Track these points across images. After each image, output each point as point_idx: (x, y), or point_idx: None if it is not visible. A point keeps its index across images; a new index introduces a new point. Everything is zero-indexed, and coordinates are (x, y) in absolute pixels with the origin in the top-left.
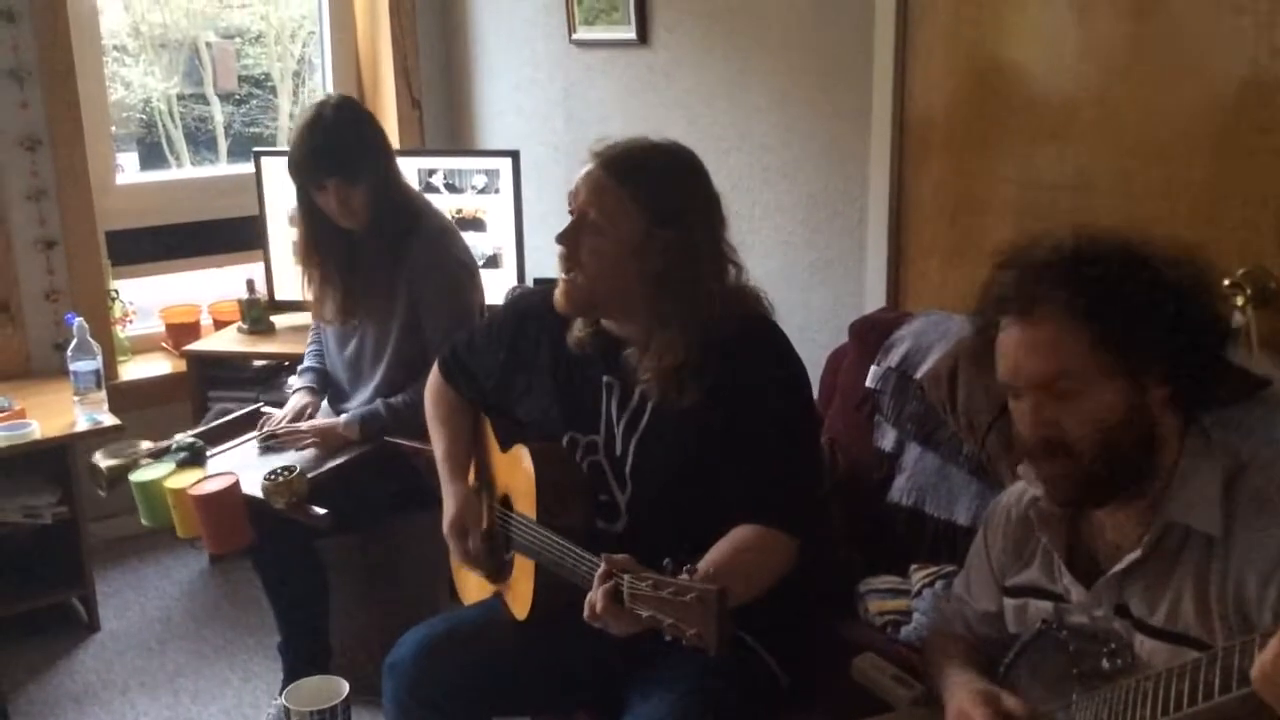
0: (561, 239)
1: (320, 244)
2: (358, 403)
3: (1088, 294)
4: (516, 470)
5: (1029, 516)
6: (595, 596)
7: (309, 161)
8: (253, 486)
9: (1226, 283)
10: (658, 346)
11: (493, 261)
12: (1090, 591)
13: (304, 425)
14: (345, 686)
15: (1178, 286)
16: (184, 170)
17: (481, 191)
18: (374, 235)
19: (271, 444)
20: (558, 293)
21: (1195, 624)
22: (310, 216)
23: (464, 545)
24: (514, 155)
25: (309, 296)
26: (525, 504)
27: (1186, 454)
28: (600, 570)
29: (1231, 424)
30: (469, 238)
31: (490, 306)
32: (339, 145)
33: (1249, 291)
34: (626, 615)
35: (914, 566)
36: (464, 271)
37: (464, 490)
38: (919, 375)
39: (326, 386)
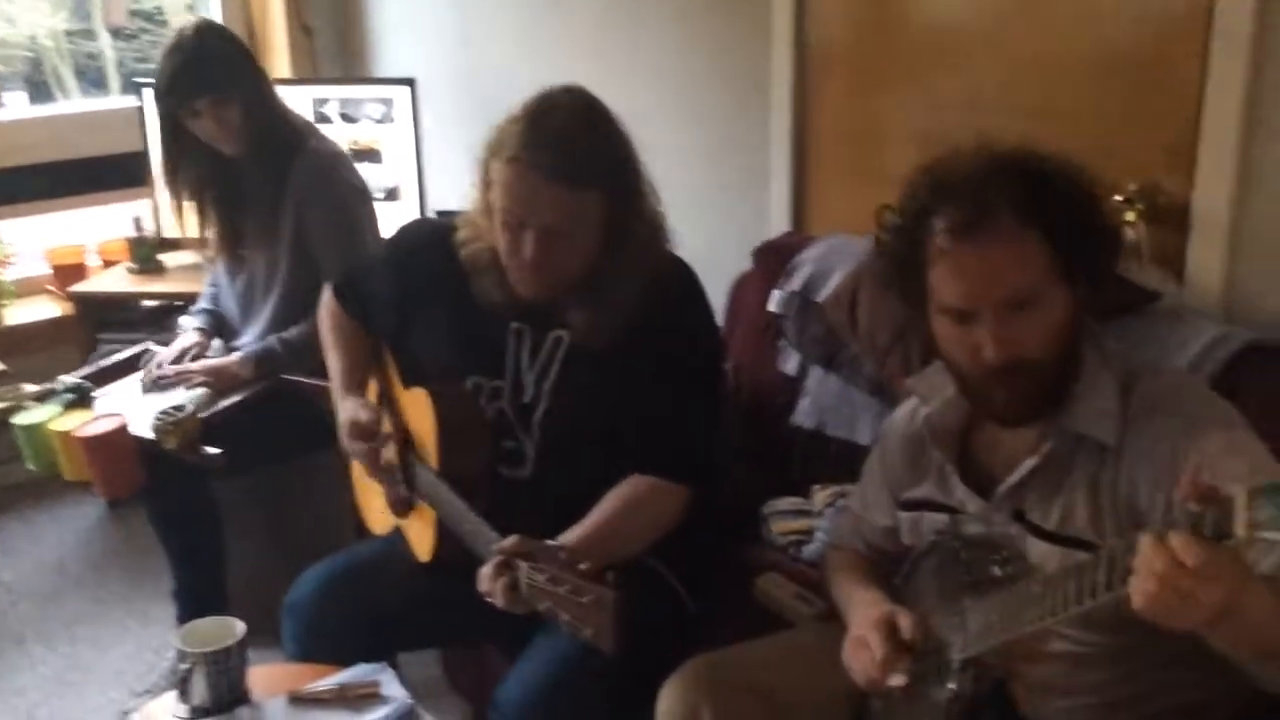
0: (534, 258)
1: (194, 178)
2: (250, 338)
3: (1035, 201)
4: (418, 412)
5: (922, 432)
6: (493, 589)
7: (177, 83)
8: (143, 427)
9: (1119, 198)
10: (603, 297)
11: (392, 195)
12: (988, 503)
13: (195, 365)
14: (241, 626)
15: (1091, 191)
16: (61, 105)
17: (379, 122)
18: (255, 160)
19: (161, 384)
20: (524, 288)
21: (1087, 528)
22: (179, 149)
23: (369, 451)
24: (410, 83)
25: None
26: (426, 449)
27: (1086, 364)
28: (495, 561)
29: (1124, 336)
30: (366, 170)
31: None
32: (207, 63)
33: (1141, 207)
34: (523, 603)
35: (816, 487)
36: (354, 194)
37: (358, 400)
38: (821, 298)
39: (220, 328)
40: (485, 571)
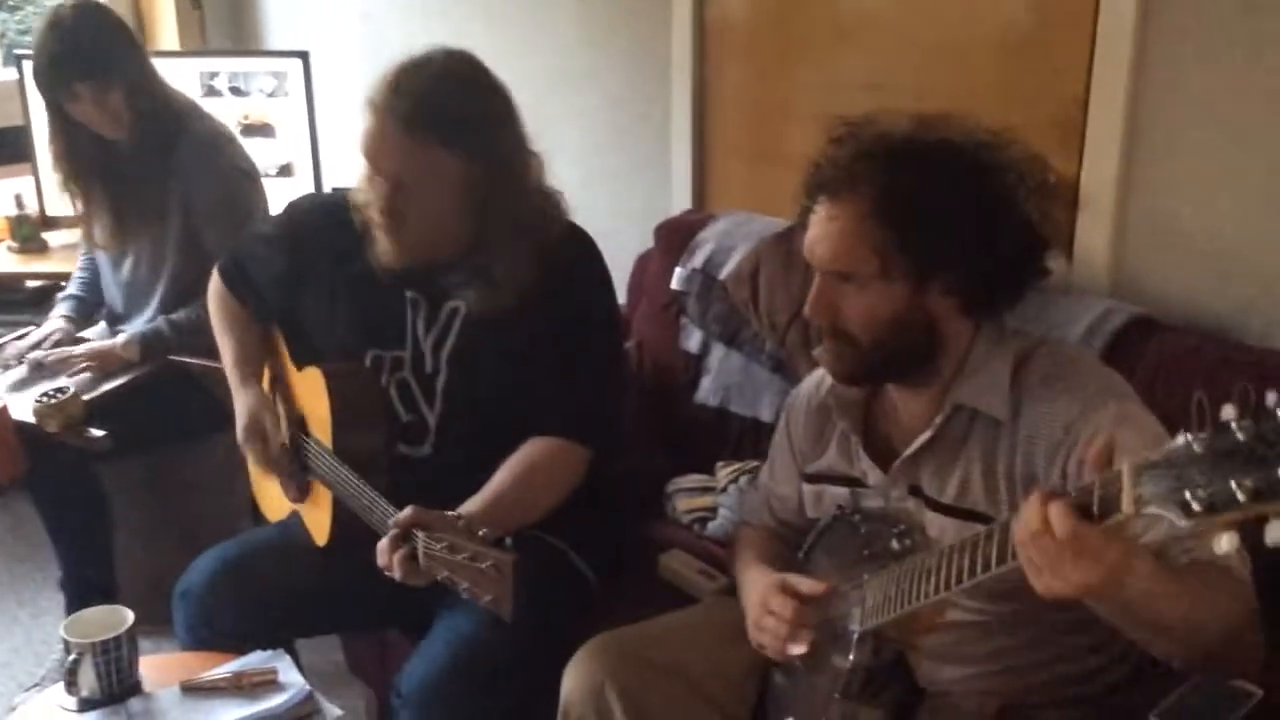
0: (385, 213)
1: (79, 162)
2: (138, 324)
3: (899, 194)
4: (311, 393)
5: (827, 402)
6: (391, 561)
7: (55, 68)
8: (24, 411)
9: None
10: (488, 272)
11: (285, 171)
12: (887, 474)
13: (77, 350)
14: (130, 615)
15: (1003, 200)
16: None
17: (270, 95)
18: (138, 143)
19: (42, 371)
20: (388, 254)
21: (983, 500)
22: (64, 132)
23: (264, 451)
24: (304, 56)
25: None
26: (321, 430)
27: (980, 344)
28: (392, 534)
29: (1013, 312)
30: (258, 145)
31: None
32: (85, 46)
33: (1030, 184)
34: (422, 574)
35: (719, 464)
36: (243, 178)
37: (256, 393)
38: (723, 276)
39: (89, 315)
40: (382, 545)
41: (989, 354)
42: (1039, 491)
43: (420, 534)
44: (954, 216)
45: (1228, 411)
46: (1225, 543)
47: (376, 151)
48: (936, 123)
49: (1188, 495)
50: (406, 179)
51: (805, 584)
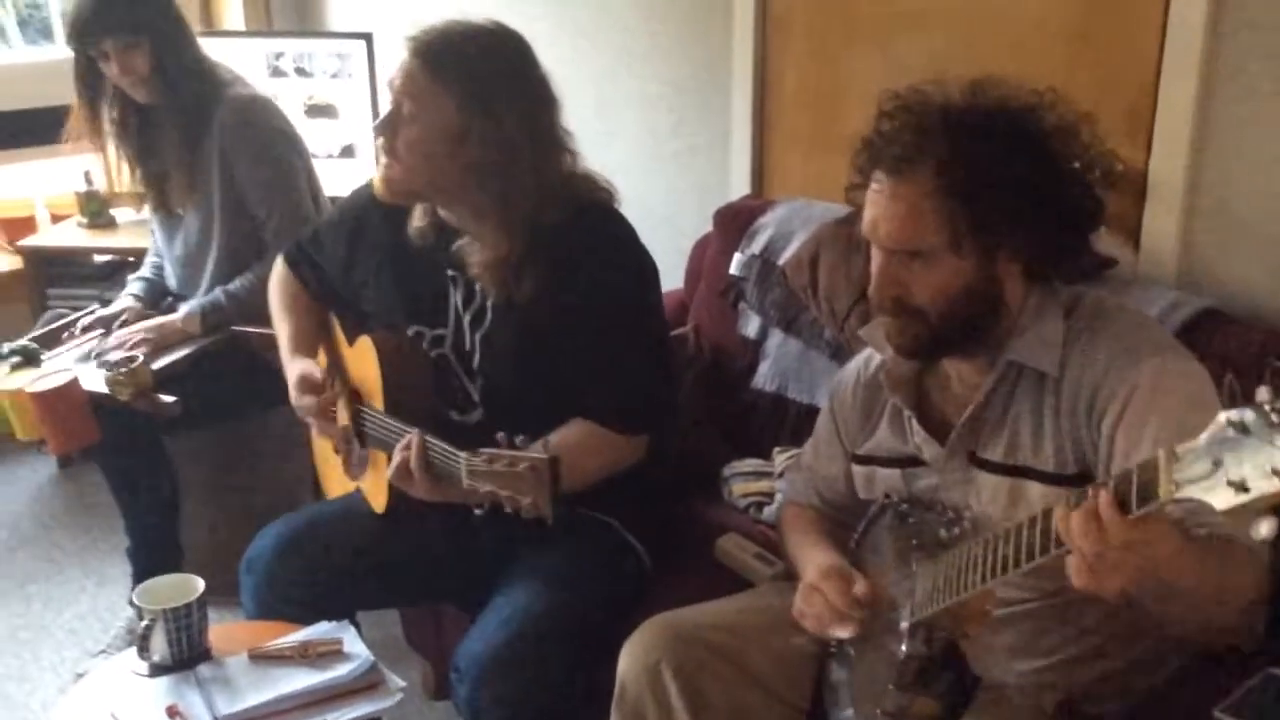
0: (378, 129)
1: (110, 123)
2: (195, 298)
3: (963, 166)
4: (363, 363)
5: (877, 380)
6: (409, 462)
7: (85, 22)
8: (94, 382)
9: (1076, 165)
10: (482, 240)
11: (348, 152)
12: (944, 447)
13: (136, 326)
14: (200, 583)
15: (1061, 166)
16: (3, 55)
17: (334, 77)
18: (170, 109)
19: (103, 346)
20: (376, 179)
21: (1030, 455)
22: (93, 93)
23: (318, 404)
24: (367, 38)
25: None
26: (374, 396)
27: (1031, 300)
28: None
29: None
30: (321, 126)
31: (336, 199)
32: (118, 3)
33: (1098, 174)
34: (441, 486)
35: (777, 449)
36: (281, 137)
37: (306, 360)
38: (781, 262)
39: (157, 299)
40: (401, 459)
41: (1041, 309)
42: (1060, 508)
43: (463, 454)
44: (1019, 180)
45: (1262, 394)
46: (1264, 528)
47: (391, 76)
48: (986, 88)
49: (1224, 478)
50: (404, 104)
51: (860, 586)
